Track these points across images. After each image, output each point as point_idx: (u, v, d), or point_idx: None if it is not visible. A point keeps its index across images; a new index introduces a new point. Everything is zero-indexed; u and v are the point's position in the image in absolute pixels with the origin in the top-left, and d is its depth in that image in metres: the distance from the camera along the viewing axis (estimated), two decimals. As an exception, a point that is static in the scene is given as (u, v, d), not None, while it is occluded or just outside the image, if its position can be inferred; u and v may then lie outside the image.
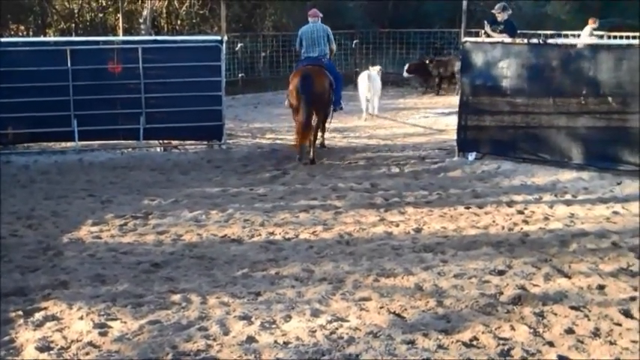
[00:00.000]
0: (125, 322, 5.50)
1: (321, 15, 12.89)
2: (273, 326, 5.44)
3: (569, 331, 5.37)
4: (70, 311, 5.71)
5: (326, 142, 13.41)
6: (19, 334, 5.31)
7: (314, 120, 12.11)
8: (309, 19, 12.85)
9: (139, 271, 6.72)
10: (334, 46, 12.97)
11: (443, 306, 5.83)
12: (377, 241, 7.66)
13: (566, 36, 19.01)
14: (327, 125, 13.22)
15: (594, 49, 11.11)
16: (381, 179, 10.72)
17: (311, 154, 12.01)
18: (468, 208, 9.07)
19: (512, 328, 5.38)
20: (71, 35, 22.73)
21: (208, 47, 13.35)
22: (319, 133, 12.86)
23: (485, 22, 14.78)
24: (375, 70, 17.72)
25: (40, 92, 12.34)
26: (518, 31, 15.43)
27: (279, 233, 8.00)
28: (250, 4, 25.81)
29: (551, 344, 5.14)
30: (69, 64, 12.51)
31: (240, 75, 22.67)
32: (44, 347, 5.07)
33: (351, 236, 7.88)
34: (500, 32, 14.01)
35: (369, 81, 16.87)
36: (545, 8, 28.12)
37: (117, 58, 12.90)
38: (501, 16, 14.48)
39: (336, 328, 5.37)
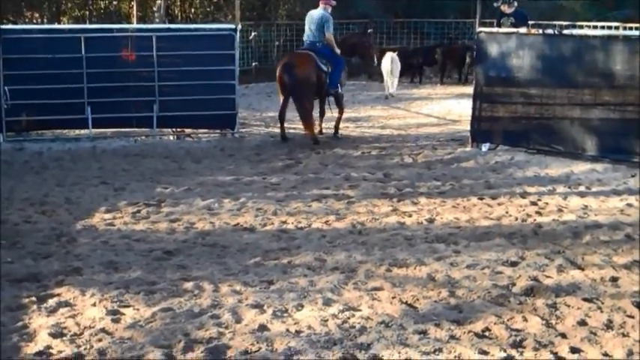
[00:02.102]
0: (138, 309, 5.51)
1: (332, 3, 12.91)
2: (285, 315, 5.44)
3: (582, 322, 5.34)
4: (83, 298, 5.73)
5: (339, 132, 13.43)
6: (33, 320, 5.33)
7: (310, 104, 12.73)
8: (320, 3, 12.96)
9: (151, 258, 6.74)
10: (330, 35, 12.91)
11: (455, 296, 5.82)
12: (389, 231, 7.65)
13: (580, 27, 18.88)
14: (341, 115, 13.33)
15: (609, 40, 11.03)
16: (393, 169, 10.71)
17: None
18: (481, 198, 9.04)
19: (525, 320, 5.36)
20: (85, 23, 22.80)
21: (222, 36, 13.35)
22: (329, 122, 13.12)
23: (495, 22, 14.69)
24: (395, 54, 19.31)
25: (53, 80, 12.37)
26: (533, 22, 15.35)
27: (292, 222, 7.99)
28: (264, -8, 25.80)
29: (563, 336, 5.12)
30: (83, 52, 12.53)
31: (253, 64, 22.67)
32: (57, 333, 5.08)
33: (364, 226, 7.87)
34: (512, 25, 13.90)
35: (391, 62, 18.64)
36: (560, 0, 27.94)
37: (131, 46, 12.93)
38: (509, 9, 14.36)
39: (348, 318, 5.36)
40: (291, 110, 14.97)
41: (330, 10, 12.89)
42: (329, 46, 12.85)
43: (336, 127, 13.36)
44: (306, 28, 13.02)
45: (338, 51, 13.08)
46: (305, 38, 13.14)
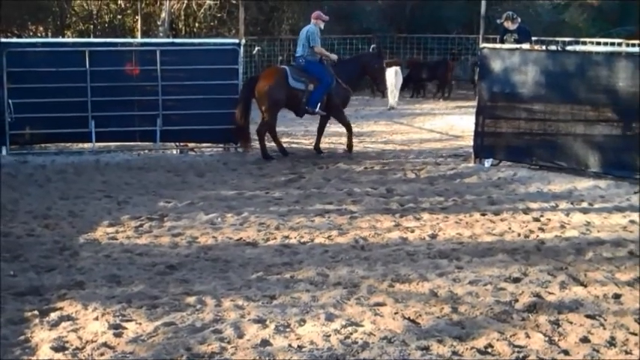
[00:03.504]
0: (140, 324, 5.51)
1: (324, 18, 12.99)
2: (288, 330, 5.44)
3: (585, 339, 5.34)
4: (85, 312, 5.73)
5: (341, 147, 13.41)
6: (35, 334, 5.33)
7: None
8: (311, 20, 13.10)
9: (154, 272, 6.73)
10: (318, 49, 12.86)
11: (458, 312, 5.81)
12: (392, 247, 7.64)
13: (584, 43, 18.92)
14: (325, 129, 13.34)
15: (612, 56, 11.05)
16: (396, 184, 10.71)
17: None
18: (483, 214, 9.04)
19: (528, 336, 5.35)
20: (90, 36, 22.88)
21: (226, 50, 13.43)
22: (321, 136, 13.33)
23: (498, 37, 14.70)
24: (397, 68, 20.46)
25: (58, 93, 12.42)
26: (536, 38, 15.37)
27: (295, 237, 7.99)
28: (268, 7, 25.88)
29: (566, 353, 5.11)
30: (87, 66, 12.58)
31: (257, 78, 22.66)
32: (59, 347, 5.08)
33: (366, 241, 7.87)
34: (515, 40, 13.91)
35: (395, 75, 19.68)
36: (563, 15, 28.02)
37: (135, 60, 12.98)
38: (512, 25, 14.38)
39: (351, 333, 5.35)
40: (295, 125, 15.02)
41: (322, 25, 12.91)
42: (318, 61, 12.80)
43: (348, 145, 13.24)
44: (298, 43, 13.10)
45: (334, 57, 13.10)
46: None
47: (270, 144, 12.84)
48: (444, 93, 23.20)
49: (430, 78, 23.63)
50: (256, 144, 12.94)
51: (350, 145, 13.23)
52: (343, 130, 13.35)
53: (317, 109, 12.78)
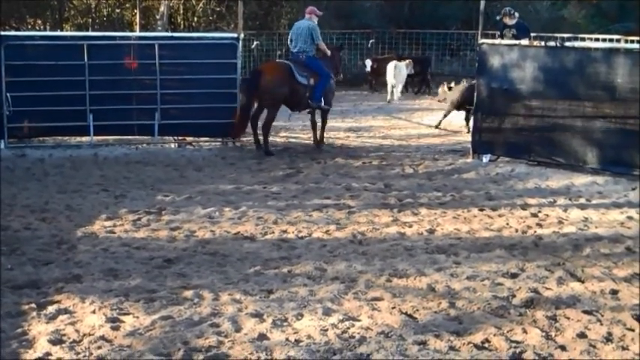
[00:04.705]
0: (137, 317, 5.50)
1: (318, 13, 12.99)
2: (285, 324, 5.43)
3: (582, 335, 5.33)
4: (82, 305, 5.72)
5: (339, 142, 13.41)
6: (32, 327, 5.32)
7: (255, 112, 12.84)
8: (305, 14, 12.98)
9: (151, 266, 6.73)
10: (322, 45, 12.91)
11: (455, 307, 5.81)
12: (390, 242, 7.64)
13: (582, 39, 18.90)
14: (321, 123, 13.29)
15: (611, 53, 11.04)
16: (394, 179, 10.71)
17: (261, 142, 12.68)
18: (481, 210, 9.04)
19: (525, 332, 5.35)
20: (88, 30, 22.87)
21: (225, 44, 13.41)
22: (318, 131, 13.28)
23: (497, 34, 14.70)
24: (403, 63, 20.82)
25: (56, 86, 12.39)
26: (535, 34, 15.37)
27: (292, 231, 7.99)
28: (267, 1, 25.87)
29: (563, 348, 5.11)
30: (85, 59, 12.56)
31: (255, 73, 22.65)
32: (56, 340, 5.07)
33: (364, 236, 7.86)
34: (514, 36, 13.91)
35: (394, 70, 20.20)
36: (562, 12, 28.01)
37: (133, 54, 12.95)
38: (511, 21, 14.38)
39: (348, 328, 5.35)
40: (293, 119, 15.00)
41: (316, 20, 12.87)
42: (317, 57, 12.79)
43: (321, 138, 13.23)
44: (292, 39, 12.98)
45: (329, 53, 13.09)
46: (291, 49, 13.09)
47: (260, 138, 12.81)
48: (423, 89, 23.27)
49: (415, 74, 23.63)
50: (249, 137, 12.93)
51: (322, 138, 13.22)
52: (342, 125, 13.32)
53: (321, 104, 12.77)
